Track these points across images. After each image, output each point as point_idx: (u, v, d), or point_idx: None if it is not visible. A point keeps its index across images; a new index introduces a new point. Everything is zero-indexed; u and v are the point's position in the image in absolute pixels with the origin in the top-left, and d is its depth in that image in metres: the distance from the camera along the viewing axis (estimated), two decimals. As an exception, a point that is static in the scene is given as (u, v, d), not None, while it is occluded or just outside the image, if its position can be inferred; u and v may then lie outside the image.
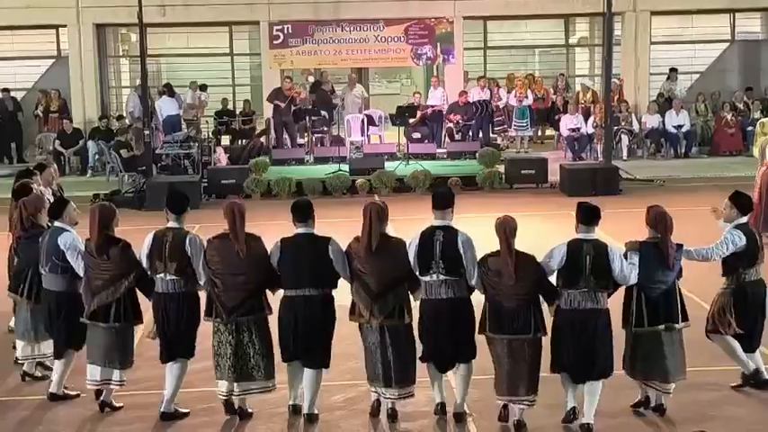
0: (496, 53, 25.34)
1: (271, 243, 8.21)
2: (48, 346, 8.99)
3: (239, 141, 22.86)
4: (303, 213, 8.16)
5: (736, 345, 8.71)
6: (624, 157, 21.86)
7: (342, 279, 8.12)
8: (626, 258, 7.95)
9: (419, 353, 8.16)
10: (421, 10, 22.91)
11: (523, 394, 7.91)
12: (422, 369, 8.28)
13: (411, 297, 8.15)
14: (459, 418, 8.19)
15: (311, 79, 23.87)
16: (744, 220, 8.72)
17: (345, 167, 19.80)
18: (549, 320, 8.03)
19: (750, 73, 25.26)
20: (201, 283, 8.13)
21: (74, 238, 8.49)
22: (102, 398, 8.47)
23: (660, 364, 8.12)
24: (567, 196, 17.45)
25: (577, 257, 7.81)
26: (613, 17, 20.09)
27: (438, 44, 23.16)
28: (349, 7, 22.70)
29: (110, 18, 23.27)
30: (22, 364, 9.27)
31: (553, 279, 8.00)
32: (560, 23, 25.66)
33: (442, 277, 7.96)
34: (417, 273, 8.00)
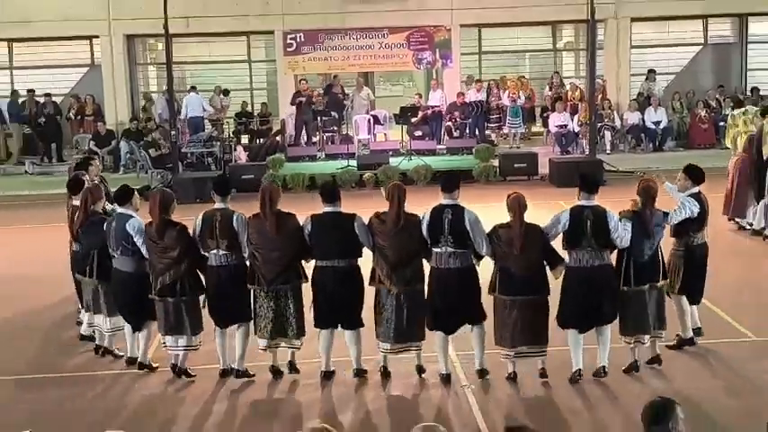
0: (490, 57, 25.35)
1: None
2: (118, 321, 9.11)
3: (257, 140, 22.97)
4: (330, 195, 8.45)
5: (688, 308, 9.07)
6: (607, 151, 21.93)
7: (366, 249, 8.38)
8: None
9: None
10: (421, 19, 22.96)
11: (535, 344, 8.23)
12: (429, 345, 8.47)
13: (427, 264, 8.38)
14: (481, 374, 8.44)
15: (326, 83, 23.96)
16: (696, 189, 9.02)
17: (354, 163, 19.92)
18: (553, 283, 8.29)
19: (721, 73, 25.29)
20: (245, 255, 8.37)
21: (140, 223, 8.63)
22: (177, 364, 8.65)
23: (645, 319, 8.44)
24: (555, 187, 17.58)
25: (579, 221, 8.13)
26: (596, 24, 20.16)
27: (437, 50, 23.20)
28: (355, 17, 22.76)
29: (139, 29, 23.34)
30: (92, 337, 9.48)
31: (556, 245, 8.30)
32: (548, 30, 25.68)
33: (450, 249, 8.20)
34: (429, 244, 8.25)
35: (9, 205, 18.66)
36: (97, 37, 23.83)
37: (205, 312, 8.62)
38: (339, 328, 8.50)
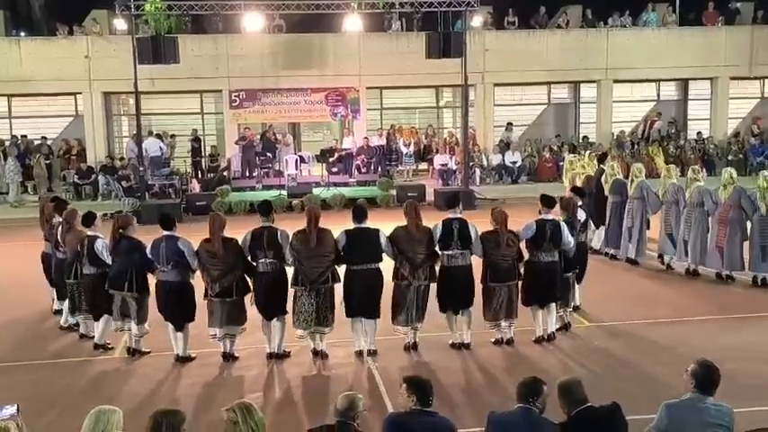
0: (389, 112, 25.42)
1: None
2: (140, 329, 8.53)
3: (208, 174, 22.50)
4: (360, 215, 8.37)
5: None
6: (477, 184, 22.14)
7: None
8: None
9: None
10: (336, 82, 22.92)
11: (514, 317, 8.56)
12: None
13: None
14: (468, 347, 8.52)
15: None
16: (579, 202, 9.84)
17: (285, 192, 19.65)
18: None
19: (560, 125, 25.85)
20: (289, 263, 8.15)
21: (189, 242, 8.24)
22: (224, 350, 8.33)
23: (570, 296, 9.08)
24: (438, 210, 17.55)
25: (542, 230, 8.47)
26: (469, 87, 20.42)
27: (349, 106, 23.20)
28: (286, 80, 22.60)
29: (113, 87, 22.66)
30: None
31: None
32: (433, 91, 25.89)
33: (458, 251, 8.33)
34: (440, 248, 8.32)
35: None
36: (80, 93, 23.09)
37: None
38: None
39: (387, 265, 8.45)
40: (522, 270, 8.58)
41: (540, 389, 4.80)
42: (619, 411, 4.87)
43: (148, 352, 8.64)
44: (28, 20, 26.13)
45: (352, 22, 21.35)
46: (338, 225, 8.51)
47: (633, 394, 6.71)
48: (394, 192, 19.82)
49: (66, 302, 9.47)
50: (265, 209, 8.41)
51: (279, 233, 8.14)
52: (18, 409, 4.55)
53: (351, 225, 8.37)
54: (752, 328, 9.30)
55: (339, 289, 8.34)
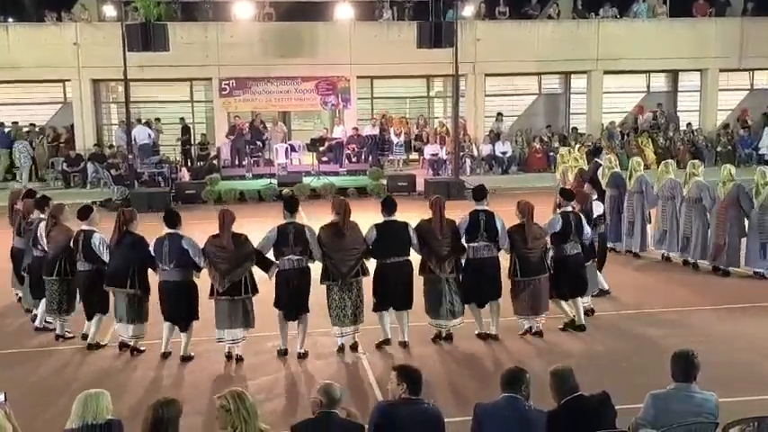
0: (380, 101, 25.33)
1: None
2: (139, 328, 8.23)
3: (198, 163, 22.40)
4: (390, 208, 8.34)
5: None
6: (468, 174, 22.11)
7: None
8: None
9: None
10: (327, 71, 22.81)
11: (543, 312, 8.55)
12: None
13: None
14: (496, 338, 8.50)
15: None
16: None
17: (275, 181, 19.59)
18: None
19: (551, 116, 25.86)
20: (317, 259, 8.03)
21: (193, 240, 7.99)
22: (231, 355, 8.07)
23: (594, 282, 9.36)
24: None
25: (567, 221, 8.57)
26: (459, 77, 20.39)
27: (339, 95, 23.11)
28: (276, 68, 22.46)
29: (103, 74, 22.47)
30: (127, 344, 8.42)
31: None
32: (424, 81, 25.81)
33: (484, 243, 8.31)
34: (466, 240, 8.29)
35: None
36: (69, 80, 22.88)
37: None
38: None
39: (416, 258, 8.41)
40: (550, 263, 8.58)
41: (523, 377, 4.82)
42: (608, 401, 4.88)
43: (144, 350, 8.37)
44: (16, 6, 25.85)
45: (344, 11, 21.27)
46: (327, 215, 8.42)
47: (630, 383, 6.70)
48: (384, 181, 19.77)
49: (43, 302, 8.95)
50: (291, 206, 8.17)
51: (306, 229, 8.01)
52: (5, 398, 4.52)
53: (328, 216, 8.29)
54: (752, 319, 9.34)
55: (366, 282, 8.26)
